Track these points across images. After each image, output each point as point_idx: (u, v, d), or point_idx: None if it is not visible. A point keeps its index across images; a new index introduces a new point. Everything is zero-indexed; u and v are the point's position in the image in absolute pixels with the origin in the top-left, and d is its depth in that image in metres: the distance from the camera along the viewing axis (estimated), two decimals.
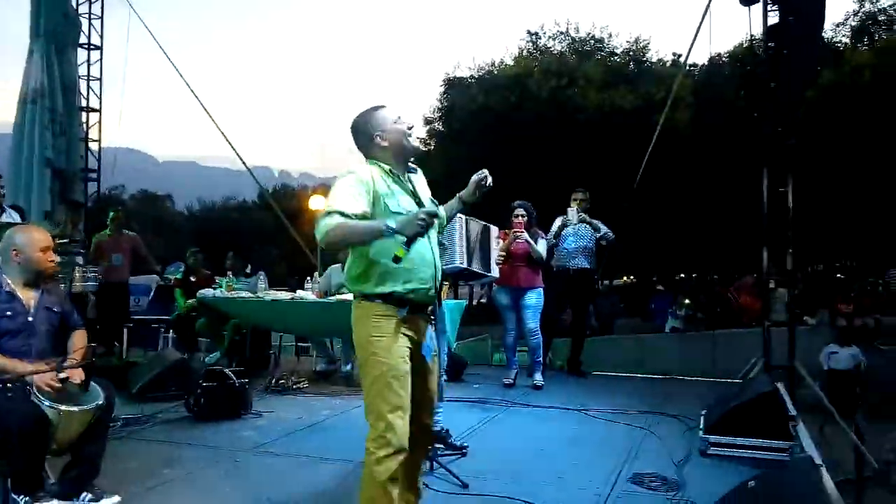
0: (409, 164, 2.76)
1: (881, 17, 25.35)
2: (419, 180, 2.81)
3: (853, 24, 25.97)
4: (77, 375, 3.01)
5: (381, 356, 2.53)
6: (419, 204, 2.65)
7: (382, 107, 2.72)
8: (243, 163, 12.04)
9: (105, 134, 9.54)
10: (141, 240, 8.11)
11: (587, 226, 6.61)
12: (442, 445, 3.87)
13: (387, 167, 2.65)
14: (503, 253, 4.43)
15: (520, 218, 6.04)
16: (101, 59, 9.49)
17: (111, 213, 8.00)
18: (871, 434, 6.93)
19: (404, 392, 2.54)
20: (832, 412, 7.12)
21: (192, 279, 7.60)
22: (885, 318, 15.18)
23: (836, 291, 13.98)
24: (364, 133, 2.69)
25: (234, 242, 23.70)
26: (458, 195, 2.98)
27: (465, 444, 4.07)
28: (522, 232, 5.98)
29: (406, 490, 2.67)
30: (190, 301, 7.26)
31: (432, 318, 2.72)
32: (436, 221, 2.51)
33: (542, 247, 6.10)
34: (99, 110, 9.46)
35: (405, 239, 2.32)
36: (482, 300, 29.03)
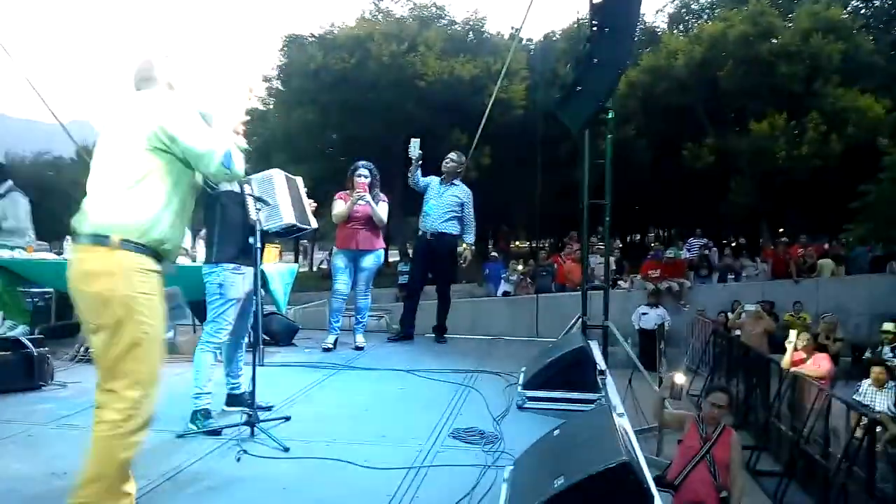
0: None
1: (694, 6, 27.67)
2: None
3: (670, 11, 28.16)
4: None
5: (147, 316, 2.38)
6: None
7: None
8: (55, 116, 10.93)
9: None
10: None
11: (452, 190, 6.44)
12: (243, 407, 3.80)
13: None
14: (314, 203, 4.29)
15: (362, 179, 5.89)
16: None
17: None
18: None
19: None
20: (639, 366, 7.80)
21: None
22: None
23: (647, 258, 15.31)
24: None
25: (49, 200, 21.62)
26: None
27: (270, 405, 4.05)
28: (364, 193, 5.86)
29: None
30: None
31: None
32: None
33: (383, 209, 6.02)
34: None
35: None
36: (322, 265, 28.63)
